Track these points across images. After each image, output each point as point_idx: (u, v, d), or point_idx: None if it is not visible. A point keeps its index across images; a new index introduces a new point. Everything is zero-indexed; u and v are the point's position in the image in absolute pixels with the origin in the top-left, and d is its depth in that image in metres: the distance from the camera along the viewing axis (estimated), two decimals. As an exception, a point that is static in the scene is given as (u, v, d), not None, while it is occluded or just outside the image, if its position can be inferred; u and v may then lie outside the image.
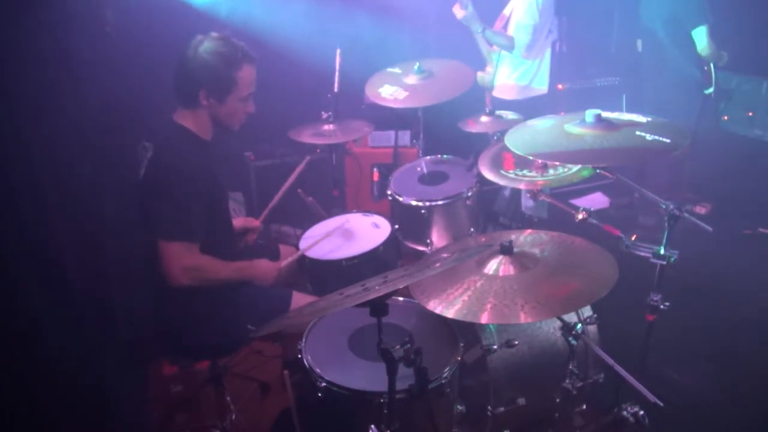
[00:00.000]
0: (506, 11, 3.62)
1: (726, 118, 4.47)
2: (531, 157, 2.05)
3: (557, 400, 2.15)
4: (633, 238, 2.02)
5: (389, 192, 2.95)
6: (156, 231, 2.02)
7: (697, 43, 3.80)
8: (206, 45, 2.07)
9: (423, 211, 2.81)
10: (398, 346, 1.48)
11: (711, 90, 3.98)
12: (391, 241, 2.54)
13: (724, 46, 3.93)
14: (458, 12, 3.34)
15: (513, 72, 3.67)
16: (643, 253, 1.98)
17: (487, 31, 3.44)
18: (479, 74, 3.67)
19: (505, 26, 3.62)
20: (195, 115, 2.13)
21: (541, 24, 3.49)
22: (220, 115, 2.14)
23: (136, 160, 2.13)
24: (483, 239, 2.17)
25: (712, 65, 3.91)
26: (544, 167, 2.39)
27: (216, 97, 2.09)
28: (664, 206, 1.91)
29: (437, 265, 1.65)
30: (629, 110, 2.56)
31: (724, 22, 3.90)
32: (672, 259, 1.92)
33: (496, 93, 3.74)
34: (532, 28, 3.47)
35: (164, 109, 2.19)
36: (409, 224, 2.88)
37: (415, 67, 3.15)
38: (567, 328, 1.92)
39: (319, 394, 1.81)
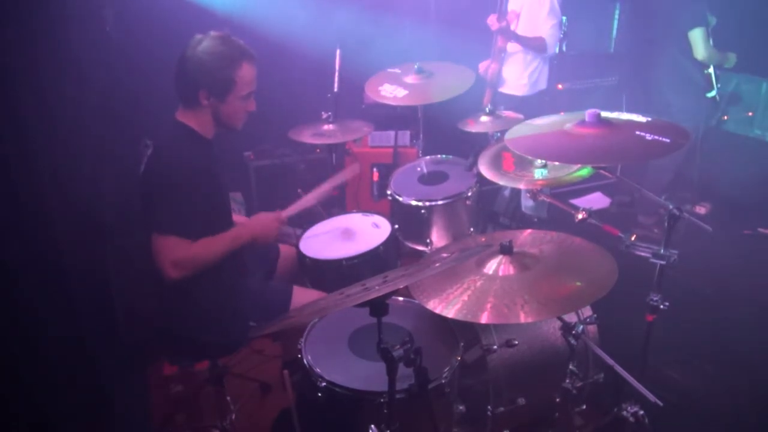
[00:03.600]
0: (516, 8, 3.63)
1: (726, 118, 4.46)
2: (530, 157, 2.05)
3: (557, 400, 2.15)
4: (633, 238, 2.01)
5: (389, 192, 2.95)
6: (151, 225, 2.02)
7: (693, 45, 3.80)
8: (204, 45, 2.06)
9: (423, 211, 2.81)
10: (398, 346, 1.48)
11: (714, 93, 3.97)
12: (391, 241, 2.54)
13: (725, 46, 3.92)
14: (493, 23, 3.41)
15: (525, 71, 3.72)
16: (642, 253, 1.97)
17: (520, 38, 3.52)
18: (481, 65, 3.64)
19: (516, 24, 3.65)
20: (197, 114, 2.12)
21: (561, 19, 3.61)
22: (221, 114, 2.13)
23: (137, 159, 2.12)
24: (483, 239, 2.17)
25: (712, 68, 3.89)
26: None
27: (216, 96, 2.08)
28: (663, 206, 1.91)
29: (437, 265, 1.65)
30: (629, 110, 2.56)
31: (724, 22, 3.90)
32: (672, 259, 1.92)
33: (506, 90, 3.76)
34: (558, 26, 3.59)
35: (167, 107, 2.18)
36: (409, 224, 2.88)
37: (415, 67, 3.16)
38: (567, 328, 1.92)
39: (319, 394, 1.81)
